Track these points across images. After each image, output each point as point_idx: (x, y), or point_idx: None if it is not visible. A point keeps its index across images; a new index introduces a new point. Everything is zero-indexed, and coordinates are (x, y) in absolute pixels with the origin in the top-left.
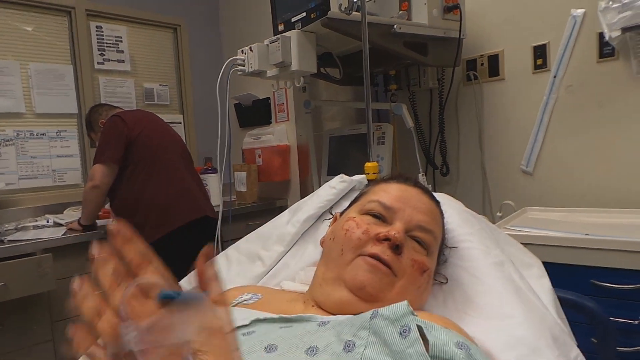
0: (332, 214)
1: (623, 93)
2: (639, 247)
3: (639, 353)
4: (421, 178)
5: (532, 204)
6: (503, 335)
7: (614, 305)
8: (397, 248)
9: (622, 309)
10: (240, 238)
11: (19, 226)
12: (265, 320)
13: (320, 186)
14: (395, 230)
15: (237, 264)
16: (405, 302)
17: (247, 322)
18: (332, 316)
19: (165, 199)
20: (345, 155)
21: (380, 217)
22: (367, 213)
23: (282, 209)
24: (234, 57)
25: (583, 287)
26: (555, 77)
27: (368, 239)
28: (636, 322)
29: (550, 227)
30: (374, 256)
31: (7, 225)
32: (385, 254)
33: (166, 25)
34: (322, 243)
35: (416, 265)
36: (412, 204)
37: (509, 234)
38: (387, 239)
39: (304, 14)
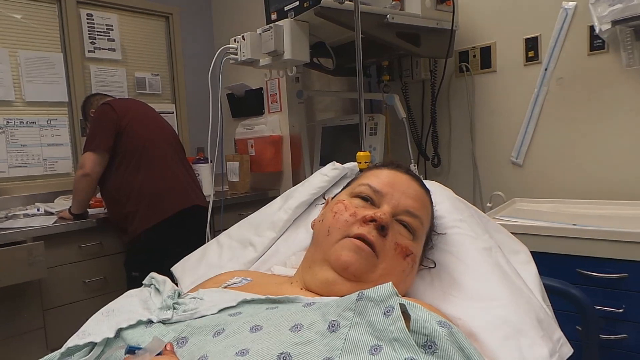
0: (325, 198)
1: (613, 86)
2: (624, 237)
3: (623, 341)
4: (412, 168)
5: (521, 195)
6: (488, 316)
7: (599, 294)
8: (382, 229)
9: (607, 297)
10: None
11: (9, 214)
12: (252, 301)
13: None
14: (381, 212)
15: (229, 250)
16: (390, 283)
17: (234, 304)
18: (317, 297)
19: (154, 188)
20: (337, 146)
21: (369, 200)
22: (357, 196)
23: (274, 199)
24: (227, 46)
25: (569, 276)
26: (546, 69)
27: (355, 220)
28: (620, 310)
29: (538, 218)
30: (359, 237)
31: None
32: (371, 234)
33: (158, 14)
34: (312, 226)
35: (399, 248)
36: (401, 190)
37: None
38: (373, 220)
39: (297, 3)
